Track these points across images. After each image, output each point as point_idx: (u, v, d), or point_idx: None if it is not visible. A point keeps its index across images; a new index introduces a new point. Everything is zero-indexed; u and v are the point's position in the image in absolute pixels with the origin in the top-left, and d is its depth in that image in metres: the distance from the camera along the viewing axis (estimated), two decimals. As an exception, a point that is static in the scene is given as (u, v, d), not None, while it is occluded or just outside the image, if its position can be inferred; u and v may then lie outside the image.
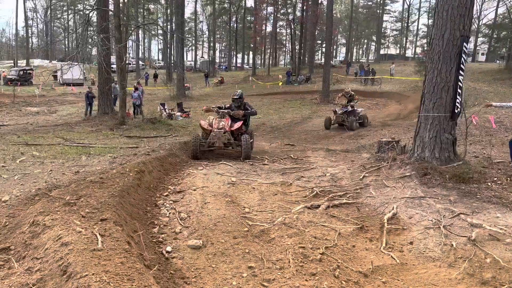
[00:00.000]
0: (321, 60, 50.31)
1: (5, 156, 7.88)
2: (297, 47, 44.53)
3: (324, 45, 42.90)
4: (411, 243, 4.34)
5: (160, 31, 49.35)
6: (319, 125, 16.88)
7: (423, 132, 6.50)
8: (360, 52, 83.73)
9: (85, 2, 62.94)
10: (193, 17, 66.58)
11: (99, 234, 3.05)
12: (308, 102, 24.76)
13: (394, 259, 3.99)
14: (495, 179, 6.18)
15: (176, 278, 3.04)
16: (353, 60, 63.11)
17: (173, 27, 37.14)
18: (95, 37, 15.29)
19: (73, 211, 3.57)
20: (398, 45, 74.19)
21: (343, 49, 76.31)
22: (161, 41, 59.98)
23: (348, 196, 5.85)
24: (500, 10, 47.44)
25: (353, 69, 35.95)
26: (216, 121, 8.48)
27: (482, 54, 56.69)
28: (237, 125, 8.55)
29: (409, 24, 67.26)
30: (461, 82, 6.27)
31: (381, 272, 3.73)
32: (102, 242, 2.90)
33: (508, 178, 6.26)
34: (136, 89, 19.18)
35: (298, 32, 45.39)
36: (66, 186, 4.68)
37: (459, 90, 6.25)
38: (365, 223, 4.83)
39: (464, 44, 6.15)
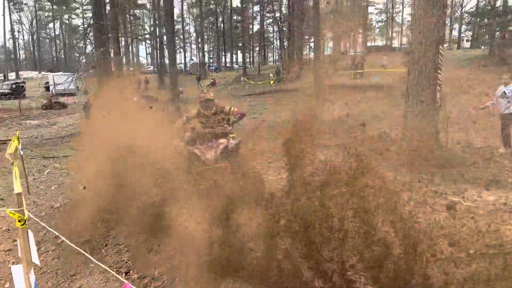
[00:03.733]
0: (309, 55, 51.06)
1: (31, 170, 8.59)
2: (285, 43, 45.31)
3: (312, 40, 43.70)
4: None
5: (148, 35, 49.94)
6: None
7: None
8: (348, 45, 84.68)
9: (71, 12, 63.39)
10: (180, 20, 67.06)
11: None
12: (300, 99, 25.66)
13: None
14: (474, 163, 7.11)
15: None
16: (341, 53, 63.94)
17: (162, 31, 37.83)
18: (93, 51, 15.96)
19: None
20: (384, 37, 75.40)
21: (331, 43, 77.10)
22: (149, 45, 60.29)
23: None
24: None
25: (341, 63, 36.67)
26: None
27: (467, 40, 57.86)
28: None
29: (394, 15, 68.66)
30: (439, 80, 7.15)
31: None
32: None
33: (484, 161, 7.19)
34: (143, 97, 19.83)
35: (286, 29, 46.14)
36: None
37: (438, 87, 7.13)
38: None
39: (440, 46, 7.03)
